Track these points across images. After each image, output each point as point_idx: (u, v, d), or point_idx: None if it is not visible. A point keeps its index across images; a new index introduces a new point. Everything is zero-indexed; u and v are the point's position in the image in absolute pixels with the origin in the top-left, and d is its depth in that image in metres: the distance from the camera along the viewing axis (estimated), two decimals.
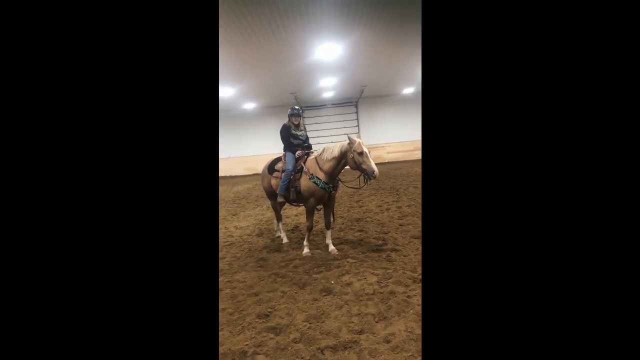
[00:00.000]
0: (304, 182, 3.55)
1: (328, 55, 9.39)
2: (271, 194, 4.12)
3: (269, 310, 2.45)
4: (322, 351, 1.91)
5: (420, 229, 4.21)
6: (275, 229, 4.53)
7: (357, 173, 3.46)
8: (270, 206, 4.42)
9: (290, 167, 3.71)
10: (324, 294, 2.67)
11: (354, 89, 14.49)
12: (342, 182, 3.69)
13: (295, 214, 5.89)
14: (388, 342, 1.94)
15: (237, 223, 5.70)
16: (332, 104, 16.69)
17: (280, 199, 3.83)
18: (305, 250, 3.61)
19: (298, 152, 3.76)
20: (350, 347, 1.93)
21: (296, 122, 3.91)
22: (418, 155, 16.32)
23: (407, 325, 2.08)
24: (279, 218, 4.33)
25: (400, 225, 4.55)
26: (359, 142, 3.23)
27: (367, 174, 3.23)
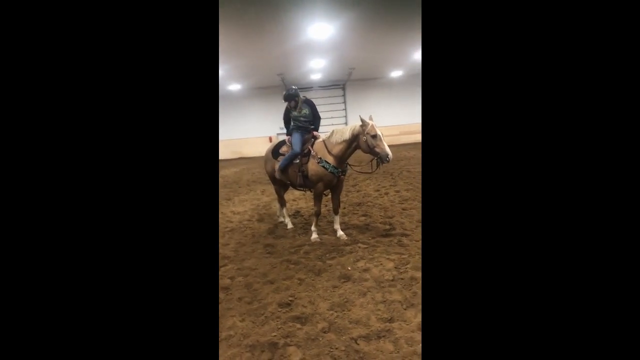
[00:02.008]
0: (312, 167, 3.42)
1: (319, 35, 9.10)
2: (274, 179, 3.98)
3: (290, 298, 2.37)
4: (355, 341, 1.85)
5: None
6: (278, 214, 4.42)
7: (364, 156, 3.33)
8: (274, 191, 4.27)
9: (297, 148, 3.56)
10: (343, 280, 2.60)
11: (342, 71, 14.24)
12: (351, 166, 3.57)
13: (292, 198, 5.77)
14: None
15: (234, 208, 5.53)
16: (320, 87, 16.40)
17: (278, 175, 3.64)
18: (314, 235, 3.52)
19: (306, 137, 3.61)
20: (384, 336, 1.88)
21: (293, 105, 3.71)
22: (405, 139, 16.41)
23: None
24: (282, 203, 4.21)
25: (403, 209, 4.52)
26: (372, 125, 3.11)
27: (381, 158, 3.13)
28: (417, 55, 12.29)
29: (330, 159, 3.33)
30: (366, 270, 2.73)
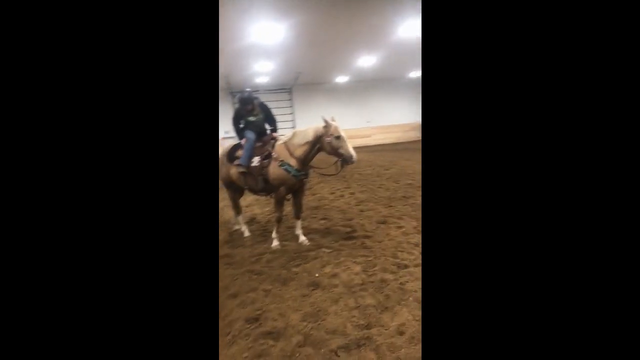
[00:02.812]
0: (274, 170, 3.24)
1: (266, 37, 8.88)
2: (230, 184, 3.72)
3: (257, 312, 2.19)
4: (335, 353, 1.74)
5: (382, 214, 4.25)
6: (232, 221, 4.15)
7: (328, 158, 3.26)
8: (228, 197, 3.99)
9: (252, 136, 3.45)
10: (312, 288, 2.48)
11: (289, 75, 14.13)
12: (313, 168, 3.46)
13: (245, 204, 5.49)
14: (402, 333, 1.85)
15: None
16: (266, 90, 16.09)
17: (242, 170, 3.38)
18: (275, 242, 3.35)
19: (265, 138, 3.45)
20: (364, 344, 1.79)
21: (250, 108, 3.50)
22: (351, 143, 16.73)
23: (414, 314, 2.01)
24: (237, 210, 3.95)
25: (361, 211, 4.53)
26: (336, 126, 3.05)
27: (345, 159, 3.08)
28: (361, 62, 12.64)
29: (293, 162, 3.19)
30: (334, 275, 2.64)
